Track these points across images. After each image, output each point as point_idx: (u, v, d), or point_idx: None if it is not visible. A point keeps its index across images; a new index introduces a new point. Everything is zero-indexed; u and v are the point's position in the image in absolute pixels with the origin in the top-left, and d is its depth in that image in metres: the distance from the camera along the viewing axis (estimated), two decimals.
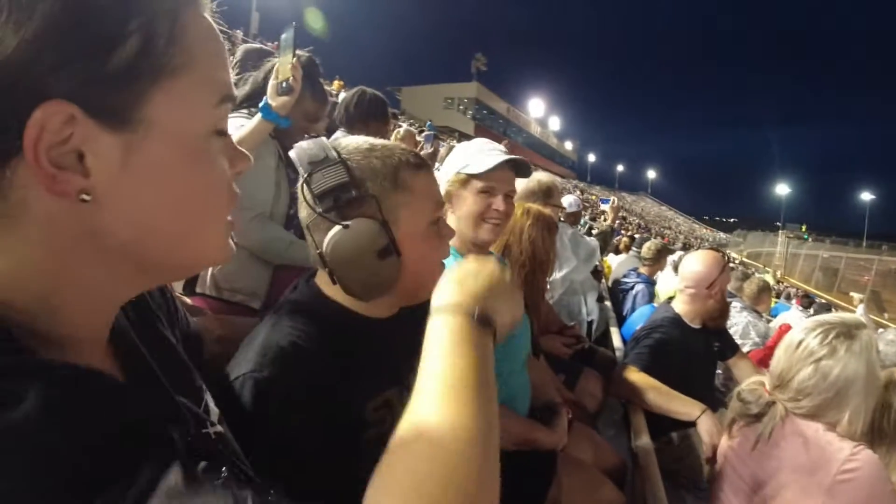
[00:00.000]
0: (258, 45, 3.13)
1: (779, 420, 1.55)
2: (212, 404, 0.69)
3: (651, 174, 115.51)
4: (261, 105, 1.73)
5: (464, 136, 47.15)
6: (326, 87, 2.42)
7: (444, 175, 1.69)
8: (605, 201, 6.52)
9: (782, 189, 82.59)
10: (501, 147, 1.74)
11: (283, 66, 1.73)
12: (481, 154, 1.66)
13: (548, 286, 3.20)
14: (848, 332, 1.53)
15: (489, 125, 66.75)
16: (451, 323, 0.66)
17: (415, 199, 1.01)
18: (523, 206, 2.21)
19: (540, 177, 2.85)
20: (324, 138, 1.01)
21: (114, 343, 0.57)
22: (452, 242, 1.35)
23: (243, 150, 0.58)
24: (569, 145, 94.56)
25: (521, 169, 1.75)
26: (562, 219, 5.10)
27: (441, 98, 64.41)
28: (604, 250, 5.20)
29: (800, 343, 1.56)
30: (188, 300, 1.62)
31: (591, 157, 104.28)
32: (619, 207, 6.01)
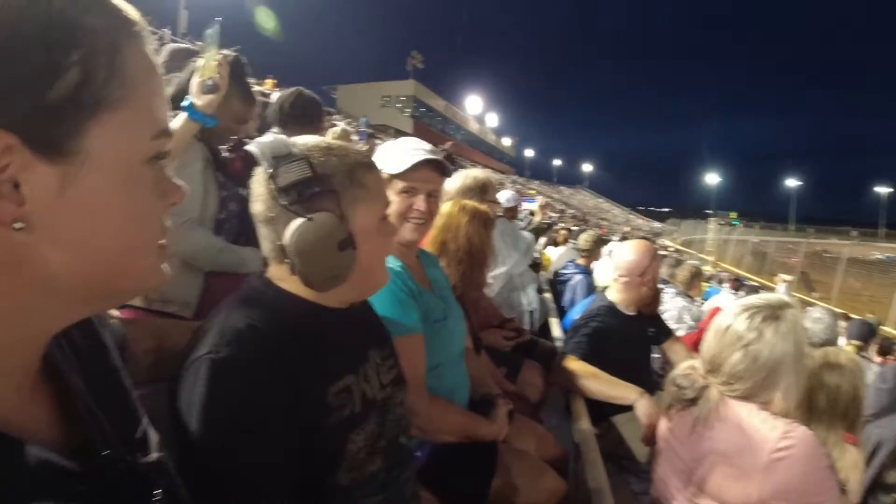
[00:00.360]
0: (186, 45, 3.03)
1: (714, 403, 1.57)
2: (151, 431, 0.67)
3: (588, 168, 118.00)
4: (185, 104, 1.68)
5: (402, 134, 46.95)
6: (259, 87, 2.36)
7: None
8: (529, 201, 6.63)
9: (712, 179, 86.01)
10: (427, 147, 1.74)
11: (208, 63, 1.69)
12: (403, 154, 1.66)
13: (488, 280, 3.23)
14: (773, 313, 1.56)
15: (428, 123, 66.32)
16: None
17: (369, 195, 1.07)
18: (459, 203, 2.22)
19: (475, 173, 2.88)
20: (283, 135, 1.05)
21: (48, 371, 0.55)
22: None
23: (178, 182, 0.59)
24: (507, 141, 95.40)
25: (442, 169, 1.76)
26: (500, 214, 5.18)
27: (378, 96, 63.62)
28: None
29: (728, 328, 1.58)
30: (118, 313, 1.56)
31: (530, 153, 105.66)
32: (546, 205, 6.14)
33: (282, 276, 1.06)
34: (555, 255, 6.36)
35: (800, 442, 1.46)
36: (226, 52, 1.84)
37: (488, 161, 76.28)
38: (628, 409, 2.31)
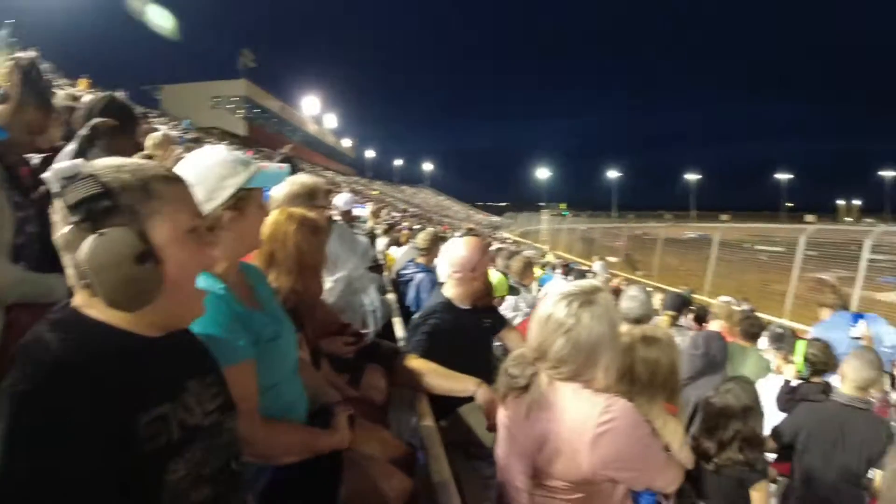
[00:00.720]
0: None
1: (544, 387, 1.66)
2: None
3: (428, 167, 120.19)
4: None
5: (233, 138, 44.53)
6: (72, 89, 2.11)
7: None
8: (360, 206, 6.60)
9: (543, 173, 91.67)
10: (240, 158, 1.65)
11: None
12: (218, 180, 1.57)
13: (328, 284, 3.17)
14: (587, 298, 1.67)
15: (262, 124, 63.28)
16: None
17: (168, 207, 1.04)
18: (286, 211, 2.16)
19: (302, 179, 2.79)
20: (79, 160, 1.02)
21: None
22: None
23: None
24: (347, 142, 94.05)
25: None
26: (338, 219, 5.09)
27: (207, 97, 59.07)
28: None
29: (549, 316, 1.67)
30: None
31: (371, 154, 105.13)
32: (378, 210, 6.19)
33: (87, 302, 1.00)
34: (398, 255, 6.40)
35: (620, 414, 1.58)
36: (21, 55, 1.63)
37: (328, 163, 74.74)
38: (473, 398, 2.40)
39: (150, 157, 3.20)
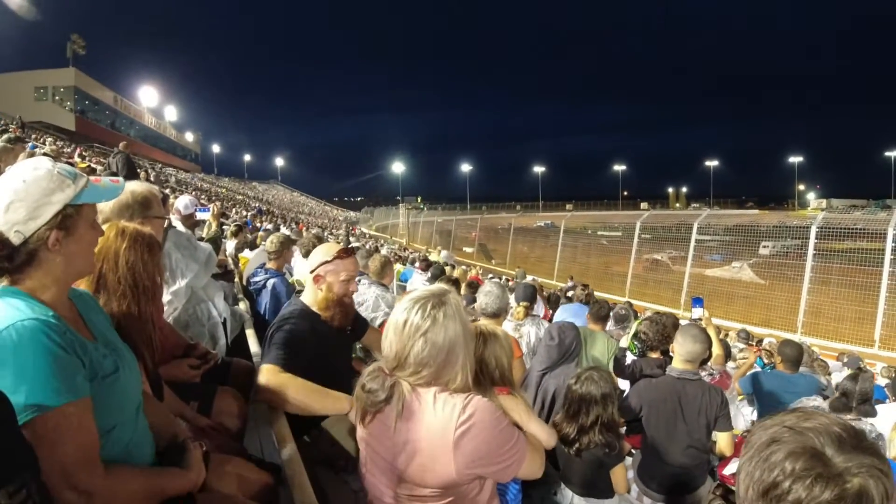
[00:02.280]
0: None
1: (406, 396, 1.64)
2: None
3: (280, 162, 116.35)
4: None
5: (62, 132, 40.14)
6: None
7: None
8: (203, 210, 6.18)
9: (398, 167, 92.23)
10: (67, 170, 1.44)
11: None
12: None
13: (166, 298, 2.90)
14: (439, 300, 1.68)
15: (94, 118, 57.31)
16: None
17: None
18: (116, 225, 1.93)
19: (133, 187, 2.48)
20: None
21: None
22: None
23: None
24: (190, 136, 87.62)
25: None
26: (177, 226, 4.71)
27: (31, 88, 52.74)
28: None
29: (405, 322, 1.66)
30: None
31: (217, 148, 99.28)
32: (220, 213, 5.84)
33: None
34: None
35: (478, 410, 1.61)
36: None
37: (170, 159, 70.11)
38: None
39: None
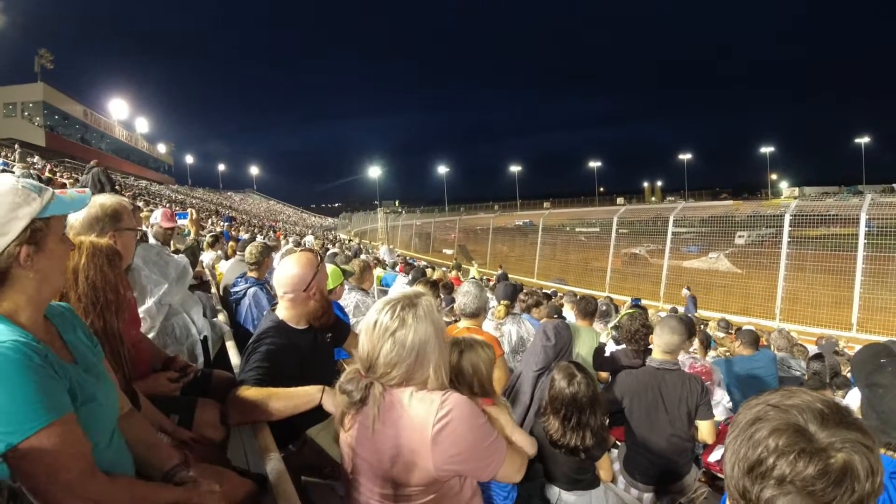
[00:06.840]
0: None
1: (380, 397, 1.65)
2: None
3: (255, 171, 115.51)
4: None
5: (32, 148, 39.35)
6: None
7: None
8: (181, 216, 6.11)
9: (375, 172, 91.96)
10: (32, 184, 1.41)
11: None
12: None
13: (144, 317, 2.86)
14: (410, 301, 1.70)
15: (64, 133, 56.42)
16: None
17: None
18: (76, 241, 1.89)
19: (102, 200, 2.40)
20: None
21: None
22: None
23: None
24: (162, 148, 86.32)
25: None
26: (154, 238, 4.64)
27: (0, 104, 52.17)
28: (194, 265, 4.90)
29: (375, 323, 1.68)
30: None
31: (190, 159, 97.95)
32: (199, 219, 5.75)
33: None
34: (225, 270, 5.96)
35: (455, 406, 1.62)
36: None
37: (142, 171, 69.21)
38: (320, 419, 2.28)
39: None
